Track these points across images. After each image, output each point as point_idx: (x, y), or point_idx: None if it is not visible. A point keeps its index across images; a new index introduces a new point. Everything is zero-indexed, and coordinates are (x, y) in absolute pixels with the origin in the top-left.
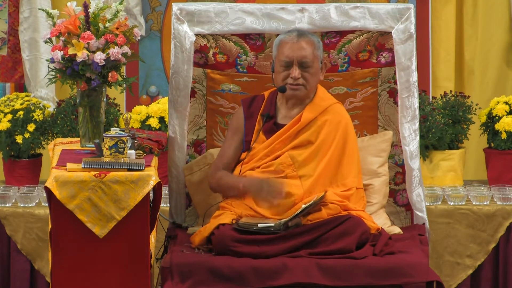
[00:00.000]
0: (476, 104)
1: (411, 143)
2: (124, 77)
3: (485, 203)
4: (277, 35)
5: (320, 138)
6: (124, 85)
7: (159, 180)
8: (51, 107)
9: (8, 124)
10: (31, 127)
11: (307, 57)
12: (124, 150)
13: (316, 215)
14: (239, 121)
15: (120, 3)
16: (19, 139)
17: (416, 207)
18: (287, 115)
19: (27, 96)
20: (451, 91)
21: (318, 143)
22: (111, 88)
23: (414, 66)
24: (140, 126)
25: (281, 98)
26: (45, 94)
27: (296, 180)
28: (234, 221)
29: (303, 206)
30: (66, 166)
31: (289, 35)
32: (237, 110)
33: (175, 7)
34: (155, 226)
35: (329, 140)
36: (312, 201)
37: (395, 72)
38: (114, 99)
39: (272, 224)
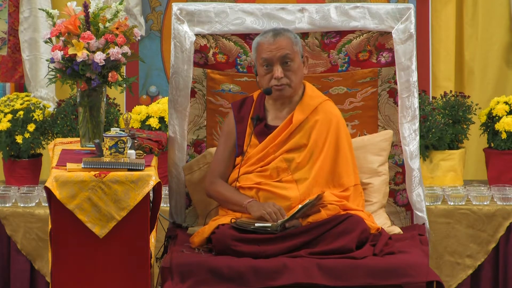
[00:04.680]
0: (476, 104)
1: (411, 143)
2: (124, 77)
3: (485, 203)
4: None
5: (313, 139)
6: (124, 85)
7: (159, 180)
8: (51, 107)
9: (8, 124)
10: (31, 127)
11: (286, 54)
12: (124, 150)
13: (315, 216)
14: (230, 126)
15: (120, 3)
16: (19, 139)
17: (416, 207)
18: (277, 116)
19: (27, 96)
20: (451, 91)
21: (311, 145)
22: (111, 88)
23: (414, 66)
24: (140, 126)
25: (269, 99)
26: (45, 94)
27: (292, 184)
28: (233, 220)
29: (300, 206)
30: (66, 166)
31: (265, 37)
32: (228, 114)
33: (175, 7)
34: (155, 226)
35: (321, 140)
36: (308, 201)
37: (395, 72)
38: (114, 99)
39: (269, 224)
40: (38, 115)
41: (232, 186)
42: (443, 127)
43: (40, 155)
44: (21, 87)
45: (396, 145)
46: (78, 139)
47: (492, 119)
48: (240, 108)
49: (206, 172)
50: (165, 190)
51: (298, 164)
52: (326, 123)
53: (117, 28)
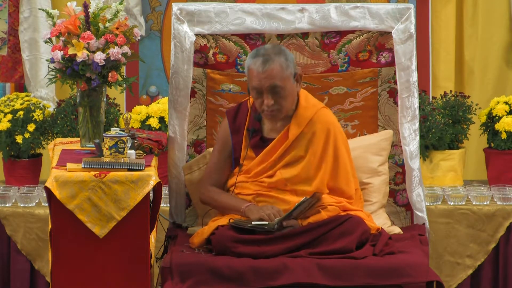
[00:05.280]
0: (476, 104)
1: (411, 143)
2: (124, 77)
3: (485, 203)
4: (277, 35)
5: (310, 152)
6: (124, 85)
7: (159, 180)
8: (51, 107)
9: (8, 124)
10: (31, 127)
11: (276, 84)
12: (124, 150)
13: (316, 217)
14: (226, 136)
15: (120, 3)
16: (19, 139)
17: (416, 207)
18: (273, 128)
19: (27, 96)
20: (451, 91)
21: (309, 157)
22: (111, 88)
23: (414, 66)
24: (140, 126)
25: None
26: (45, 94)
27: (292, 194)
28: (232, 220)
29: (297, 204)
30: (66, 166)
31: (254, 63)
32: (223, 122)
33: (175, 7)
34: (155, 226)
35: (319, 152)
36: (304, 198)
37: (395, 72)
38: (114, 99)
39: (266, 222)
40: (38, 115)
41: (228, 192)
42: (443, 127)
43: (40, 155)
44: (21, 87)
45: (396, 145)
46: (78, 139)
47: (492, 119)
48: (235, 118)
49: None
50: (165, 190)
51: (297, 177)
52: (323, 134)
53: (117, 28)
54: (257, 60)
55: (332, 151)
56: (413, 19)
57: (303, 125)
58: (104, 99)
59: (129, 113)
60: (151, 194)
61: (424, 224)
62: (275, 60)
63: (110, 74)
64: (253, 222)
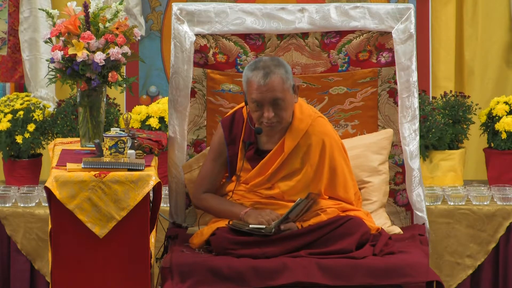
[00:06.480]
0: (476, 104)
1: (411, 143)
2: (124, 77)
3: (485, 203)
4: (277, 35)
5: (307, 164)
6: (124, 85)
7: (159, 180)
8: (51, 107)
9: (8, 124)
10: (31, 127)
11: (277, 96)
12: (124, 150)
13: (316, 219)
14: (221, 147)
15: (120, 3)
16: (19, 139)
17: (416, 207)
18: (269, 140)
19: (27, 96)
20: (451, 91)
21: (305, 169)
22: (111, 88)
23: (414, 66)
24: (140, 126)
25: None
26: (45, 94)
27: (290, 203)
28: (231, 222)
29: (292, 205)
30: (66, 166)
31: (255, 75)
32: (218, 131)
33: (175, 7)
34: (155, 226)
35: (315, 164)
36: (299, 200)
37: (395, 72)
38: (114, 99)
39: (263, 226)
40: (38, 115)
41: (224, 197)
42: (443, 127)
43: (40, 155)
44: (21, 87)
45: (396, 145)
46: (78, 139)
47: (492, 119)
48: (231, 129)
49: None
50: (165, 190)
51: (294, 189)
52: (319, 146)
53: (117, 28)
54: (258, 72)
55: (328, 163)
56: (413, 19)
57: (298, 138)
58: (104, 99)
59: (129, 113)
60: (151, 194)
61: (424, 224)
62: (276, 72)
63: (110, 74)
64: (250, 226)
